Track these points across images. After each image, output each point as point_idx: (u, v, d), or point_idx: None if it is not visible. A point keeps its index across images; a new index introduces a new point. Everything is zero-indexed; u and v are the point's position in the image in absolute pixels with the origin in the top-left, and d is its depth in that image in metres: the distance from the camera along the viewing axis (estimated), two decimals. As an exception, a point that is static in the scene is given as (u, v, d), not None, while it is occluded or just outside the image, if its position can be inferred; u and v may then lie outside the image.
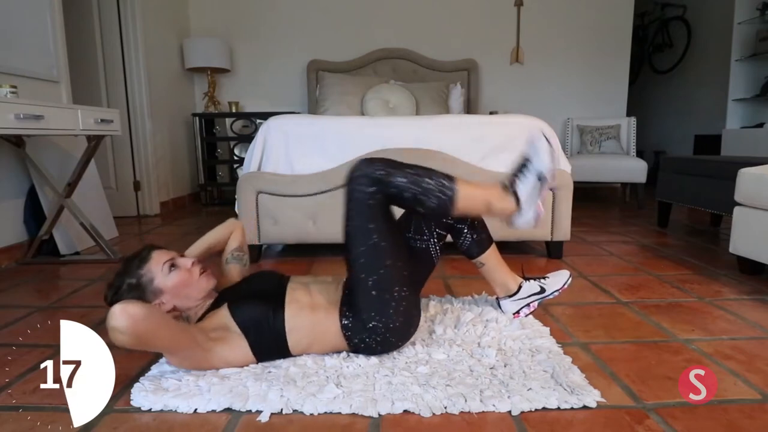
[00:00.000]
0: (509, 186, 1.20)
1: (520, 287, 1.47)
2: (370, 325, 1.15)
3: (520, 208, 1.18)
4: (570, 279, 1.53)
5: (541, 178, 1.18)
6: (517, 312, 1.47)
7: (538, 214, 1.19)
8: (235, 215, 2.23)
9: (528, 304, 1.48)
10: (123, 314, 0.92)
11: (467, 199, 1.15)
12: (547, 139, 1.21)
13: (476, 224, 1.40)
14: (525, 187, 1.19)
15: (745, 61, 4.54)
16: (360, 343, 1.18)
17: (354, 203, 1.12)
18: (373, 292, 1.14)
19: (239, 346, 1.13)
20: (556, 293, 1.50)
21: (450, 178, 1.15)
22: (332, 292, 1.23)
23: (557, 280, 1.52)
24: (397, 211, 1.23)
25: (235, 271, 1.43)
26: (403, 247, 1.22)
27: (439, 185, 1.13)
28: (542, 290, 1.48)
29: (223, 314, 1.16)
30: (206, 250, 1.42)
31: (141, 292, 1.16)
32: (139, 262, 1.19)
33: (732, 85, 4.61)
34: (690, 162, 2.82)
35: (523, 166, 1.21)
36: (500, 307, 1.51)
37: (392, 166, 1.13)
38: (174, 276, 1.18)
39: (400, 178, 1.11)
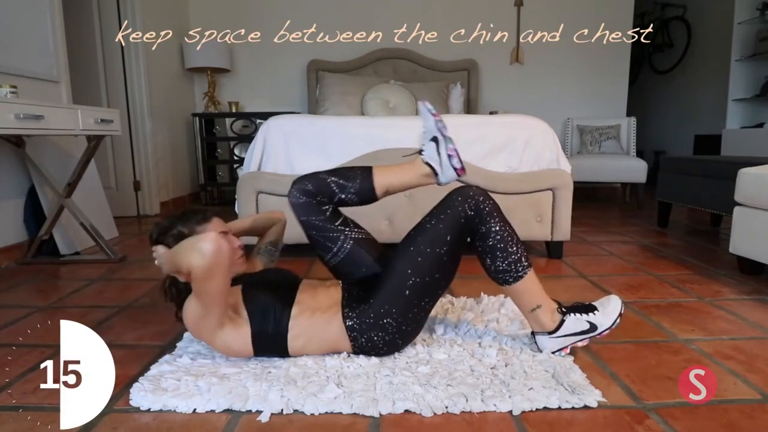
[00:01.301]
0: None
1: None
2: (384, 320, 1.16)
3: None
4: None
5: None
6: None
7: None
8: (235, 215, 2.23)
9: None
10: (215, 242, 0.99)
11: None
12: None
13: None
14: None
15: (745, 61, 4.54)
16: (367, 342, 1.18)
17: (451, 212, 1.18)
18: (407, 292, 1.16)
19: (241, 331, 1.14)
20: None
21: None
22: (332, 294, 1.24)
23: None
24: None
25: (261, 264, 1.45)
26: (453, 273, 1.26)
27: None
28: None
29: (236, 295, 1.17)
30: (245, 231, 1.46)
31: None
32: (201, 218, 1.24)
33: (732, 85, 4.61)
34: (690, 162, 2.82)
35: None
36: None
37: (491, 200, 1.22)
38: None
39: (496, 225, 1.18)
